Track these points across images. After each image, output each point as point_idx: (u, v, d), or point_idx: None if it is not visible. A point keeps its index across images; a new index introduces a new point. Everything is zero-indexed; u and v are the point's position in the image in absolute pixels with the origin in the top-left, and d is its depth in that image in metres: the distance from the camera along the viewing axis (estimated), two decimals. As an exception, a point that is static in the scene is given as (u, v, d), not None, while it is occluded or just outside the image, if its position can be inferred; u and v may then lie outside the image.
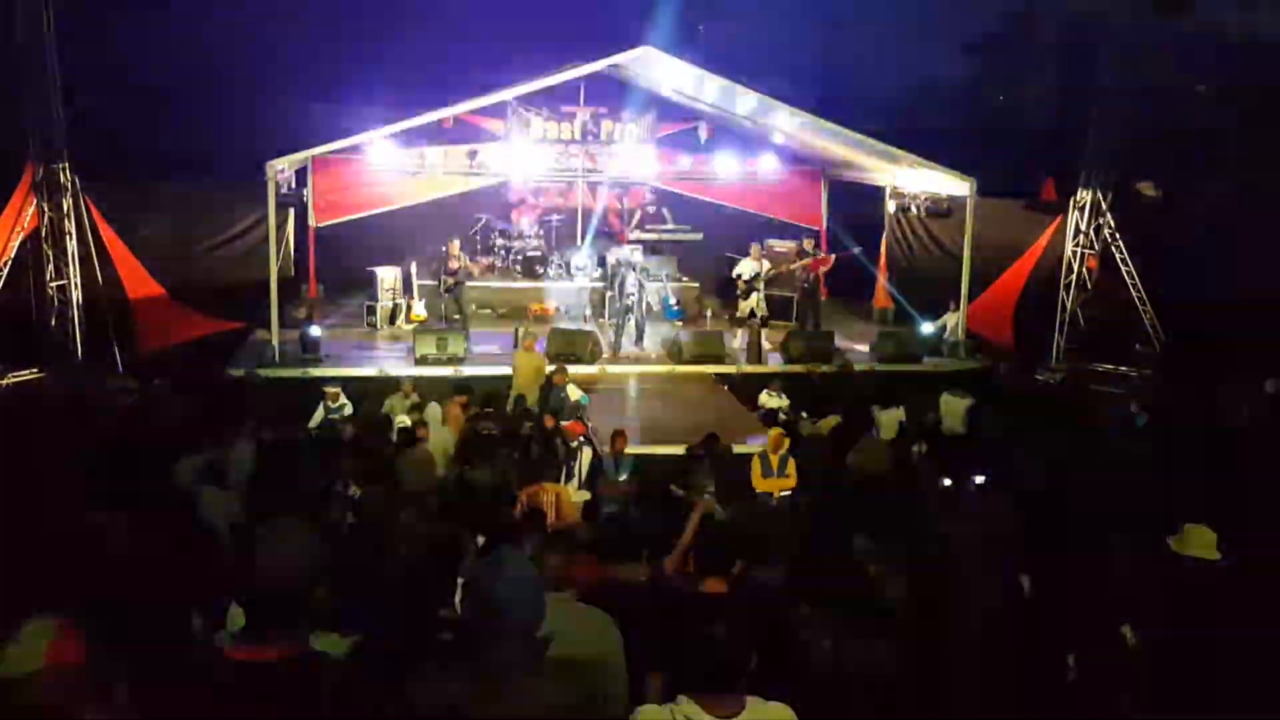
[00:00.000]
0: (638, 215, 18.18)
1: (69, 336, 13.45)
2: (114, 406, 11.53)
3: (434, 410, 10.92)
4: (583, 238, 17.56)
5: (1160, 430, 11.00)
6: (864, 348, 15.07)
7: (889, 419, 11.40)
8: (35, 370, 12.98)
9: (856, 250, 16.40)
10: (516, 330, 13.99)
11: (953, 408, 12.16)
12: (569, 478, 9.42)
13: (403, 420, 10.61)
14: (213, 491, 7.35)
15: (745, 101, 15.33)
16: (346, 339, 14.86)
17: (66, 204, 13.20)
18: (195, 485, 7.51)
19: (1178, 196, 15.83)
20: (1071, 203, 15.72)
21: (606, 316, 15.42)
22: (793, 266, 15.90)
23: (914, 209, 16.37)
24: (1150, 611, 4.44)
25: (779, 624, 3.79)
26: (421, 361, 13.38)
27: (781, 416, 11.84)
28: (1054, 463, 9.48)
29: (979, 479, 8.11)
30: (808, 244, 16.36)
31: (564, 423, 10.34)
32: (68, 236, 13.30)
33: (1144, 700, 3.93)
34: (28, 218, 13.00)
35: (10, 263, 12.84)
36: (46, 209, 13.11)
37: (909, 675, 3.80)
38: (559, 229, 17.93)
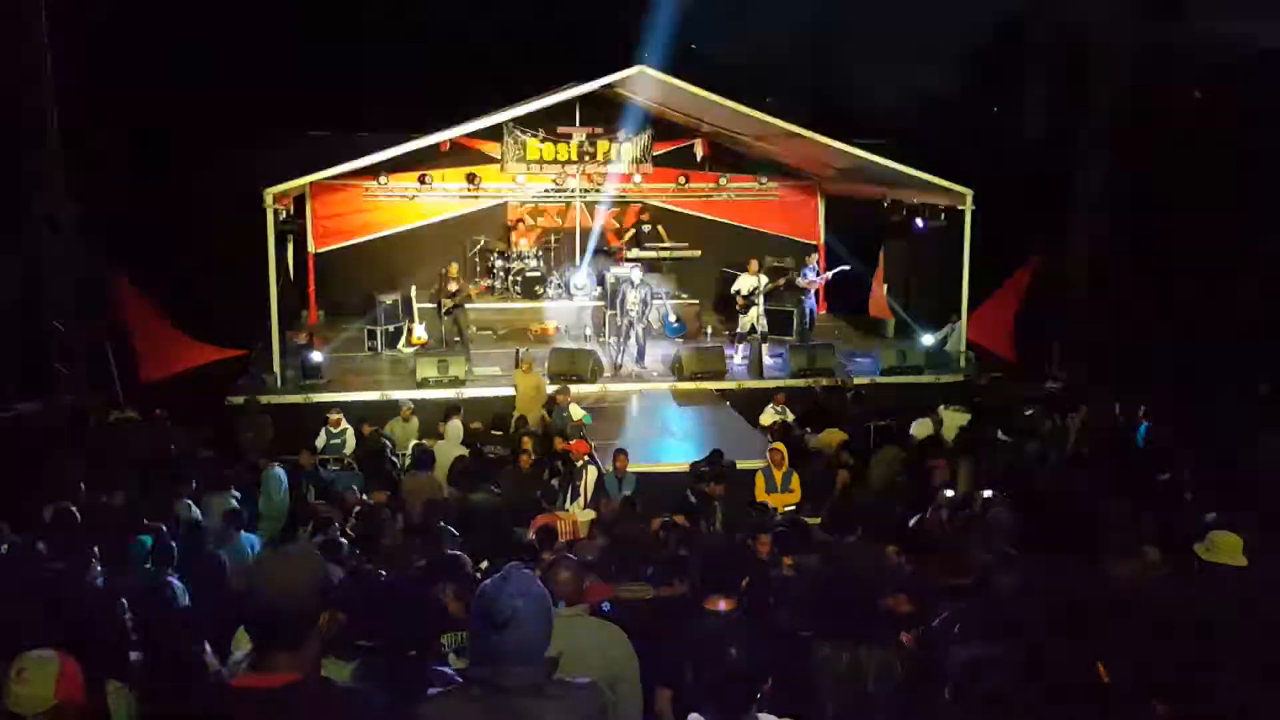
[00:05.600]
0: (633, 233, 18.24)
1: (70, 368, 13.43)
2: (117, 438, 11.52)
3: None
4: (581, 257, 17.60)
5: (1164, 437, 10.98)
6: (865, 361, 15.06)
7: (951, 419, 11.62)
8: (38, 403, 12.95)
9: (845, 268, 16.34)
10: (517, 351, 13.99)
11: (952, 422, 12.15)
12: (574, 497, 9.41)
13: (413, 442, 10.68)
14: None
15: (740, 118, 15.39)
16: (347, 363, 14.86)
17: (65, 235, 13.21)
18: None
19: (1177, 202, 15.84)
20: (1070, 211, 15.74)
21: (607, 335, 15.43)
22: (790, 280, 15.92)
23: (912, 221, 16.38)
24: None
25: (793, 640, 3.76)
26: (423, 384, 13.37)
27: (787, 432, 11.82)
28: (1058, 470, 9.48)
29: (987, 493, 8.09)
30: (810, 259, 16.41)
31: (569, 442, 10.33)
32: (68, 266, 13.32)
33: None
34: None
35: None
36: (46, 241, 13.13)
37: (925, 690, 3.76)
38: (557, 249, 17.97)
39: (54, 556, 6.22)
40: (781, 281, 15.79)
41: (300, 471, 10.08)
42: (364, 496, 9.13)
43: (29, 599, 4.83)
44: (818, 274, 16.08)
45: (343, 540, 7.38)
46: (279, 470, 9.67)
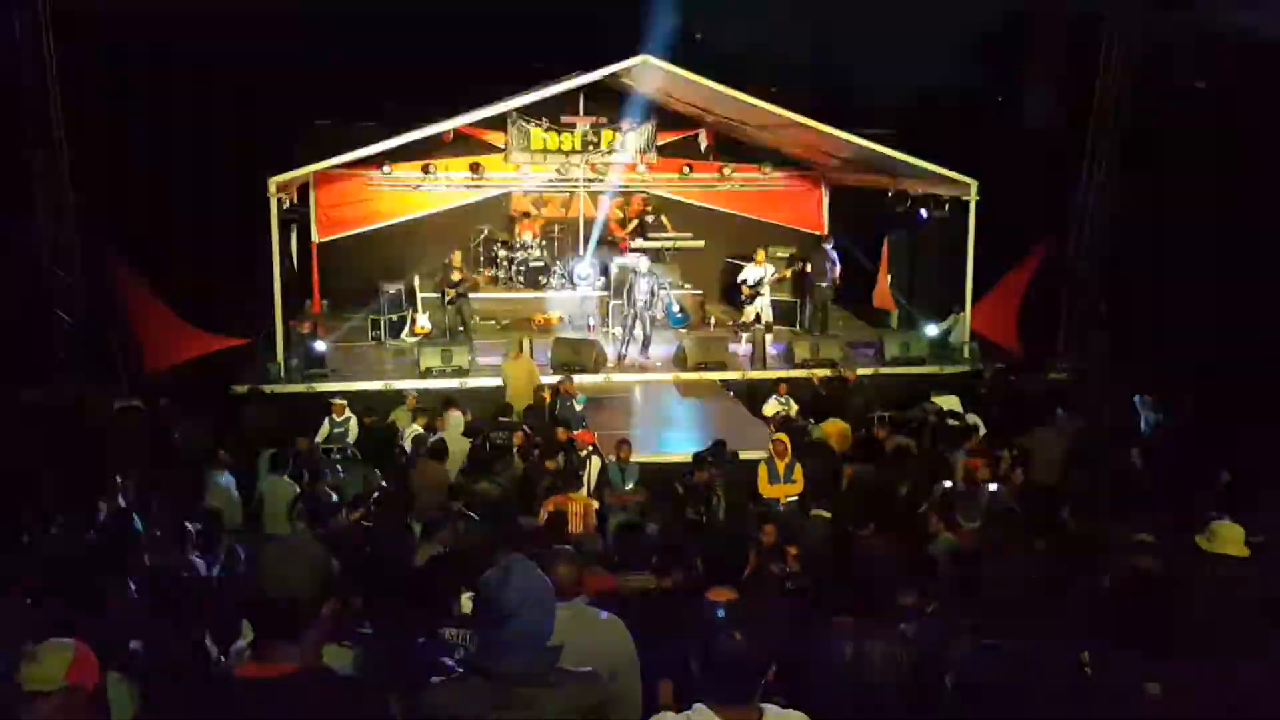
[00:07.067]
0: (637, 223, 18.21)
1: (73, 357, 13.43)
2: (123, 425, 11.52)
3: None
4: (584, 247, 17.58)
5: (1170, 429, 10.96)
6: (869, 351, 15.04)
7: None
8: (40, 391, 12.95)
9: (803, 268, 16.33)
10: (520, 341, 13.99)
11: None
12: (577, 487, 9.40)
13: (415, 430, 10.66)
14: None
15: (744, 107, 15.34)
16: (351, 353, 14.86)
17: (69, 225, 13.21)
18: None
19: (1179, 195, 15.78)
20: (1073, 201, 15.69)
21: (611, 325, 15.42)
22: (800, 270, 15.90)
23: (917, 211, 16.33)
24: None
25: (797, 629, 3.76)
26: (426, 374, 13.38)
27: (791, 423, 11.81)
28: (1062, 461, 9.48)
29: (992, 486, 8.09)
30: (825, 245, 16.39)
31: (574, 432, 10.33)
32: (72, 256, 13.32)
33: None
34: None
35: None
36: (50, 230, 13.13)
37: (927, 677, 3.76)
38: (561, 239, 17.95)
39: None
40: (788, 271, 15.76)
41: (299, 459, 9.97)
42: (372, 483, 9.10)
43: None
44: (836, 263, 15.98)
45: (347, 527, 7.40)
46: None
